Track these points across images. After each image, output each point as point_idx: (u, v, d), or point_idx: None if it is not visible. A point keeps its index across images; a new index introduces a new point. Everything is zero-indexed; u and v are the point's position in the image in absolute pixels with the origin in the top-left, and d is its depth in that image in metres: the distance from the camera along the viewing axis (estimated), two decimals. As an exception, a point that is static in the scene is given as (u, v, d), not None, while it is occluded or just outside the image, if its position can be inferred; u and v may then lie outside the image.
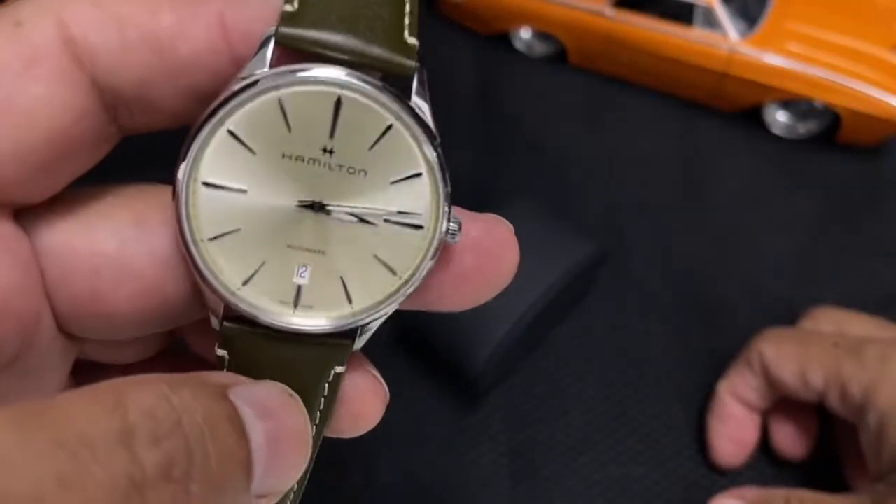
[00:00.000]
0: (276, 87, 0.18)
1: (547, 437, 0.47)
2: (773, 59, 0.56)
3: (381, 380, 0.23)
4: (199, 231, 0.19)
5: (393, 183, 0.19)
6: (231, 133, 0.19)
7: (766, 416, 0.46)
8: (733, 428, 0.45)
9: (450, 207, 0.20)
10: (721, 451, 0.45)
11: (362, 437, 0.48)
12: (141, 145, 0.21)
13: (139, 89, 0.19)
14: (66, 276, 0.20)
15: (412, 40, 0.19)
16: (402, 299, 0.20)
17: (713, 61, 0.57)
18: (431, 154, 0.19)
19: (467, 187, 0.57)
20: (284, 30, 0.18)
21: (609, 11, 0.59)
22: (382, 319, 0.21)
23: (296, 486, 0.22)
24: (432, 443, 0.47)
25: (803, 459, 0.45)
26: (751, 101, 0.58)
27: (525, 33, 0.63)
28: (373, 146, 0.19)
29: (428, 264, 0.20)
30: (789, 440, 0.45)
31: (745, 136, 0.59)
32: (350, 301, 0.20)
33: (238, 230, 0.19)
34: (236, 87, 0.18)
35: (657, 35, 0.58)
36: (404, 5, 0.19)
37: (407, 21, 0.19)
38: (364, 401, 0.22)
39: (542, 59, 0.63)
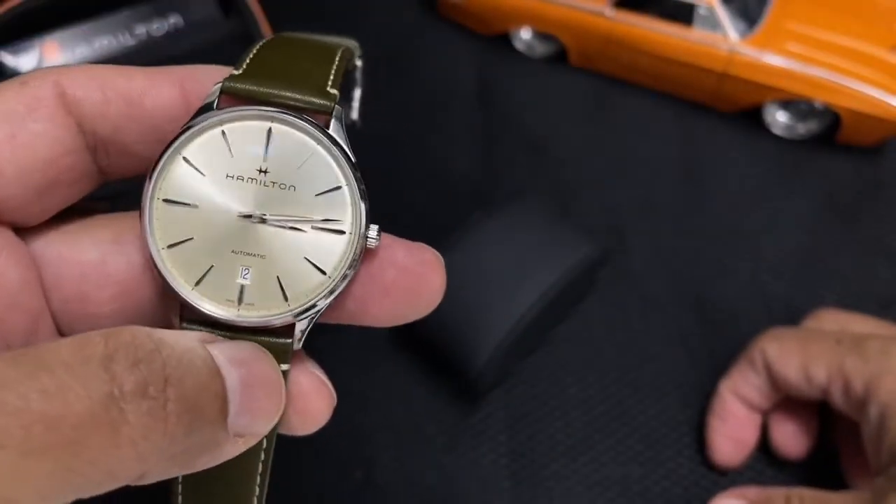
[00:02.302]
0: (221, 122, 0.23)
1: (547, 437, 0.47)
2: (773, 60, 0.56)
3: (326, 381, 0.25)
4: (160, 240, 0.23)
5: (318, 195, 0.23)
6: (185, 160, 0.23)
7: (766, 416, 0.46)
8: (733, 427, 0.45)
9: (367, 214, 0.24)
10: (720, 449, 0.45)
11: (362, 437, 0.48)
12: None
13: (114, 134, 0.24)
14: (58, 281, 0.24)
15: (333, 91, 0.24)
16: (331, 296, 0.23)
17: (713, 61, 0.57)
18: (349, 170, 0.23)
19: (467, 187, 0.57)
20: (229, 83, 0.23)
21: (609, 11, 0.59)
22: (316, 317, 0.24)
23: (265, 441, 0.24)
24: (432, 443, 0.47)
25: (803, 459, 0.45)
26: (751, 101, 0.58)
27: (525, 33, 0.63)
28: (300, 166, 0.23)
29: (351, 264, 0.23)
30: (789, 440, 0.45)
31: (745, 136, 0.59)
32: (286, 298, 0.23)
33: (191, 239, 0.23)
34: (189, 123, 0.23)
35: (657, 35, 0.58)
36: (331, 67, 0.25)
37: (331, 77, 0.24)
38: (308, 399, 0.25)
39: (542, 59, 0.63)
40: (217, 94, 0.23)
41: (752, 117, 0.59)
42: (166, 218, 0.23)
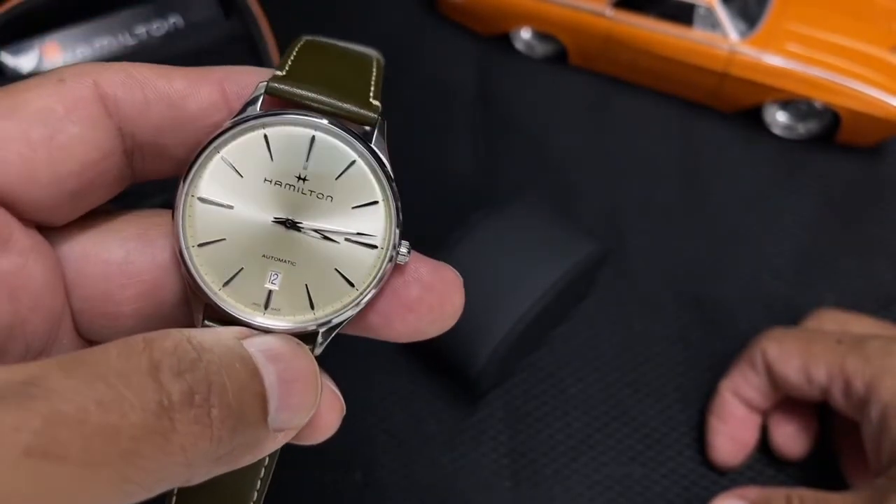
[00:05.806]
0: (264, 125, 0.23)
1: (547, 437, 0.47)
2: (773, 60, 0.56)
3: (338, 393, 0.25)
4: (191, 238, 0.23)
5: (354, 208, 0.23)
6: (224, 159, 0.23)
7: (766, 417, 0.46)
8: (733, 427, 0.45)
9: (400, 232, 0.24)
10: (720, 449, 0.45)
11: (362, 437, 0.48)
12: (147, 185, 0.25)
13: (154, 137, 0.23)
14: (81, 279, 0.23)
15: (375, 102, 0.24)
16: (357, 309, 0.24)
17: (713, 61, 0.57)
18: (387, 187, 0.23)
19: (467, 187, 0.57)
20: (274, 84, 0.23)
21: (609, 12, 0.59)
22: (339, 328, 0.24)
23: (266, 458, 0.24)
24: (432, 443, 0.47)
25: (803, 459, 0.45)
26: (751, 101, 0.58)
27: (525, 33, 0.63)
28: (339, 177, 0.23)
29: (381, 279, 0.24)
30: (789, 440, 0.45)
31: (745, 136, 0.59)
32: (313, 307, 0.24)
33: (223, 239, 0.23)
34: (231, 122, 0.23)
35: (657, 35, 0.58)
36: (371, 77, 0.24)
37: (372, 87, 0.24)
38: (320, 410, 0.24)
39: (542, 59, 0.63)
40: (262, 93, 0.23)
41: (752, 117, 0.59)
42: (199, 216, 0.23)
